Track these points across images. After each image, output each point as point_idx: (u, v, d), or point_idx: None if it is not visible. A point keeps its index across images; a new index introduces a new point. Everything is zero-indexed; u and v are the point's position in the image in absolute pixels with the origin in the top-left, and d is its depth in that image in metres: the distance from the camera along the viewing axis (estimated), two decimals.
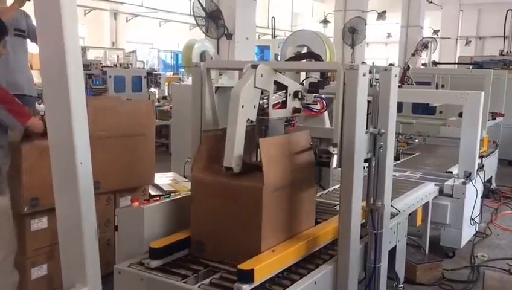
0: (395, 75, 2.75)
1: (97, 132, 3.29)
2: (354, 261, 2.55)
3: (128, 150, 3.47)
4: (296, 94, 2.68)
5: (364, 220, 2.80)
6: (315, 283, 2.35)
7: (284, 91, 2.64)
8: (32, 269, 3.14)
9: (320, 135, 2.86)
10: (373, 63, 12.87)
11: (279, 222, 2.46)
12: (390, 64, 6.71)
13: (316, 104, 2.81)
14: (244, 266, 2.17)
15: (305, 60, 3.18)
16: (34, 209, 3.04)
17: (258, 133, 2.61)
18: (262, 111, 2.55)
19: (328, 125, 2.92)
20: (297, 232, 2.59)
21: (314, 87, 2.75)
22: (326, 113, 2.90)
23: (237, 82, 2.44)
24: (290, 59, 3.28)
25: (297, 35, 4.01)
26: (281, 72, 2.64)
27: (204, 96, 2.77)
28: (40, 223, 3.11)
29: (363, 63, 6.29)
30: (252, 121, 2.44)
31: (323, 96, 2.91)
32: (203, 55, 6.84)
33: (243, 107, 2.34)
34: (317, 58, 3.00)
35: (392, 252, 3.18)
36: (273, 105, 2.57)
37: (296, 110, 2.70)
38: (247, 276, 2.12)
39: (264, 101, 2.51)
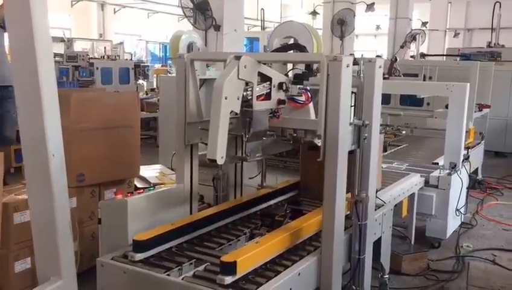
0: (380, 67, 2.75)
1: (81, 124, 3.27)
2: (338, 252, 2.56)
3: (113, 142, 3.43)
4: (280, 86, 2.66)
5: (349, 212, 2.81)
6: (299, 274, 2.36)
7: (269, 82, 2.62)
8: (15, 263, 3.10)
9: (305, 127, 2.84)
10: (362, 55, 12.87)
11: None
12: (378, 56, 6.69)
13: (301, 95, 2.79)
14: (227, 258, 2.17)
15: (291, 51, 3.17)
16: None
17: (242, 126, 2.59)
18: (246, 103, 2.53)
19: (313, 117, 2.89)
20: None
21: (298, 79, 2.74)
22: (311, 104, 2.87)
23: (220, 73, 2.42)
24: (275, 50, 3.26)
25: (284, 26, 3.98)
26: (265, 64, 2.63)
27: (188, 88, 2.75)
28: (23, 217, 3.07)
29: (350, 54, 6.28)
30: (236, 113, 2.43)
31: (308, 87, 2.90)
32: (190, 47, 6.79)
33: (226, 98, 2.32)
34: (302, 49, 2.99)
35: (378, 243, 3.20)
36: (257, 97, 2.56)
37: (280, 102, 2.67)
38: (230, 268, 2.12)
39: (248, 92, 2.50)
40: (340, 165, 2.44)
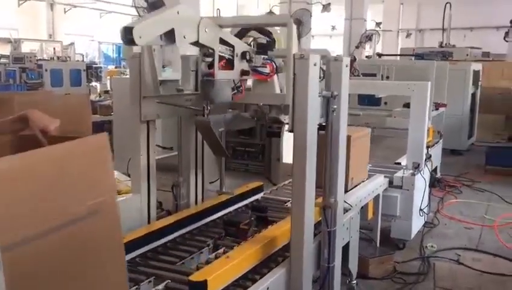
0: (346, 66, 2.63)
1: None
2: (307, 262, 2.43)
3: None
4: (243, 55, 2.44)
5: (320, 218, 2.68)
6: (267, 288, 2.20)
7: (231, 49, 2.43)
8: None
9: (270, 102, 2.64)
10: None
11: None
12: (354, 57, 6.70)
13: (265, 66, 2.60)
14: (196, 277, 1.97)
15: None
16: None
17: (204, 97, 2.37)
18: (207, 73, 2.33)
19: (278, 90, 2.72)
20: None
21: (263, 49, 2.53)
22: (275, 77, 2.69)
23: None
24: (237, 32, 3.05)
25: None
26: None
27: (143, 60, 2.55)
28: None
29: None
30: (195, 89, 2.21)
31: (273, 59, 2.70)
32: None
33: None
34: (266, 33, 2.78)
35: (345, 248, 3.09)
36: (219, 64, 2.30)
37: (244, 73, 2.47)
38: (200, 288, 1.93)
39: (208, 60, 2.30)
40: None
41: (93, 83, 11.73)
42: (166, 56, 6.56)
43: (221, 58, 2.32)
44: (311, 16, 13.10)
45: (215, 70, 2.28)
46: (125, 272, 1.66)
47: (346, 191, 3.76)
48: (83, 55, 13.65)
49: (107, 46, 22.27)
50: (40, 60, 10.22)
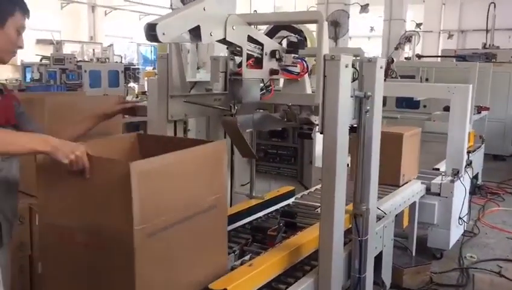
0: (381, 67, 2.51)
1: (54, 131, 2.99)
2: (336, 272, 2.31)
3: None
4: (273, 54, 2.36)
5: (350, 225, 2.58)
6: None
7: (260, 47, 2.35)
8: (39, 263, 2.93)
9: (300, 102, 2.53)
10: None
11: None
12: (391, 58, 6.53)
13: (296, 66, 2.51)
14: (216, 285, 1.90)
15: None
16: None
17: (231, 97, 2.31)
18: (235, 73, 2.26)
19: (309, 90, 2.62)
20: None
21: (293, 47, 2.44)
22: (306, 76, 2.60)
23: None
24: (268, 31, 2.98)
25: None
26: None
27: (171, 57, 2.48)
28: None
29: None
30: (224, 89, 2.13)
31: (304, 58, 2.61)
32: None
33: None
34: (296, 31, 2.70)
35: (378, 257, 2.96)
36: (247, 63, 2.23)
37: (273, 72, 2.38)
38: None
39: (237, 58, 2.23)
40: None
41: (131, 84, 11.91)
42: (201, 57, 6.51)
43: (249, 56, 2.25)
44: (348, 17, 12.91)
45: (243, 68, 2.21)
46: (226, 255, 2.09)
47: (398, 186, 3.81)
48: (121, 57, 13.86)
49: (145, 47, 22.60)
50: (79, 61, 10.43)
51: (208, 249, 1.91)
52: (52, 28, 17.37)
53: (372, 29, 23.33)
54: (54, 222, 1.76)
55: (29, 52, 13.95)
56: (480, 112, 6.77)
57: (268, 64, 2.33)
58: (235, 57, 2.33)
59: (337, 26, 12.61)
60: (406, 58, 13.64)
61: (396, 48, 14.60)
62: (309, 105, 2.43)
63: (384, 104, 8.02)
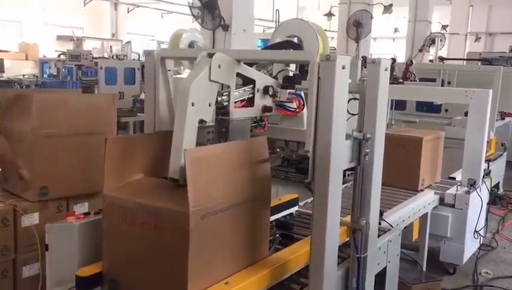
0: (385, 69, 2.30)
1: (43, 129, 2.89)
2: None
3: (83, 150, 3.03)
4: (266, 90, 2.27)
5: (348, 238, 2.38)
6: None
7: (251, 86, 2.22)
8: (23, 268, 2.94)
9: (298, 139, 2.43)
10: None
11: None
12: (392, 59, 6.23)
13: (292, 102, 2.38)
14: None
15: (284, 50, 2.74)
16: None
17: (218, 137, 2.18)
18: (223, 110, 2.13)
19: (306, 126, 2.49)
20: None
21: (289, 82, 2.34)
22: (304, 112, 2.46)
23: (188, 74, 2.01)
24: (266, 48, 2.84)
25: (286, 25, 3.58)
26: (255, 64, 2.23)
27: (158, 90, 2.35)
28: (32, 219, 2.90)
29: (362, 57, 5.85)
30: (205, 122, 2.02)
31: (301, 92, 2.48)
32: (191, 46, 6.45)
33: (193, 105, 1.92)
34: (296, 47, 2.56)
35: (382, 273, 2.75)
36: (238, 102, 2.16)
37: (266, 109, 2.29)
38: None
39: (224, 98, 2.09)
40: (333, 189, 2.00)
41: None
42: None
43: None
44: (371, 17, 12.62)
45: (231, 108, 2.09)
46: (268, 244, 2.19)
47: (416, 191, 3.69)
48: (138, 54, 13.78)
49: (166, 45, 22.66)
50: (95, 58, 10.38)
51: (251, 237, 2.04)
52: (75, 24, 17.51)
53: (396, 30, 22.92)
54: (117, 202, 1.95)
55: (50, 49, 14.07)
56: (504, 118, 6.48)
57: (261, 101, 2.24)
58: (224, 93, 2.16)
59: (359, 26, 12.34)
60: (430, 60, 13.30)
61: (420, 50, 14.27)
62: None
63: (404, 107, 7.81)
